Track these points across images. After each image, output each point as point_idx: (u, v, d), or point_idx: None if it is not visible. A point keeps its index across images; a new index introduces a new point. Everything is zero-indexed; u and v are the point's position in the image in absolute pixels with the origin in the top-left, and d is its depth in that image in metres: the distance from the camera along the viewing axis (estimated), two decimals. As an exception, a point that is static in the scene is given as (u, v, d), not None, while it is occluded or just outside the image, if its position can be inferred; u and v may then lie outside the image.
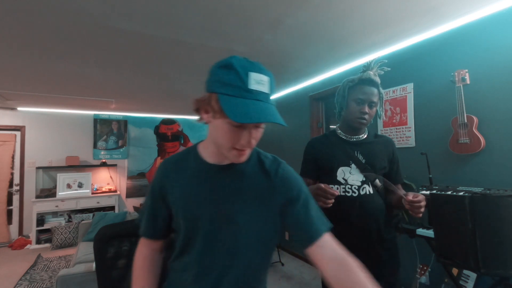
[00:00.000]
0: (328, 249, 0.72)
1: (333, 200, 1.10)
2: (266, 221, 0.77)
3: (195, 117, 5.68)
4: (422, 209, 1.11)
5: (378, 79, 1.31)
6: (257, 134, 0.70)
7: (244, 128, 0.66)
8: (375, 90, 1.29)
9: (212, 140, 0.74)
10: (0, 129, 4.75)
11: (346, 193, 1.30)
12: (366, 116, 1.29)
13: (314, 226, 0.74)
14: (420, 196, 1.12)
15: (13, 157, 4.83)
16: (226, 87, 0.63)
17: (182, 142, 6.15)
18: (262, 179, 0.78)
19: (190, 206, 0.77)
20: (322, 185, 1.10)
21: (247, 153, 0.72)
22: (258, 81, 0.63)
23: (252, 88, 0.63)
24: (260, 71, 0.65)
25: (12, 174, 4.83)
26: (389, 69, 1.38)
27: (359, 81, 1.31)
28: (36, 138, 4.97)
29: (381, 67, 1.36)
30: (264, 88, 0.65)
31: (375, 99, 1.29)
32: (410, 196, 1.11)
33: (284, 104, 4.15)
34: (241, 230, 0.76)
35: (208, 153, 0.79)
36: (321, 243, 0.72)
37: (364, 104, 1.28)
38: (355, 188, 1.29)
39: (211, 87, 0.67)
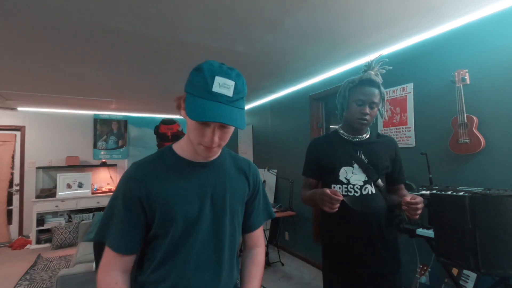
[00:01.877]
0: (255, 238, 0.96)
1: (338, 205, 1.11)
2: (242, 210, 0.90)
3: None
4: (419, 211, 1.12)
5: (379, 79, 1.30)
6: (223, 134, 0.74)
7: (208, 126, 0.71)
8: (376, 91, 1.29)
9: (188, 136, 0.79)
10: (0, 129, 4.76)
11: (348, 193, 1.30)
12: (367, 117, 1.29)
13: (258, 218, 0.96)
14: (418, 198, 1.12)
15: (13, 157, 4.84)
16: (193, 87, 0.70)
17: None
18: (239, 174, 0.90)
19: (184, 204, 0.77)
20: (328, 191, 1.10)
21: (215, 151, 0.77)
22: (222, 85, 0.68)
23: (214, 90, 0.67)
24: (227, 76, 0.69)
25: (12, 174, 4.83)
26: (390, 67, 1.38)
27: (359, 82, 1.30)
28: (36, 138, 4.97)
29: (382, 66, 1.35)
30: (228, 92, 0.69)
31: (376, 99, 1.29)
32: (408, 198, 1.13)
33: (284, 104, 4.15)
34: (226, 224, 0.83)
35: (184, 151, 0.82)
36: (256, 232, 0.96)
37: (364, 105, 1.28)
38: (357, 188, 1.29)
39: (185, 87, 0.73)
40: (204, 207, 0.79)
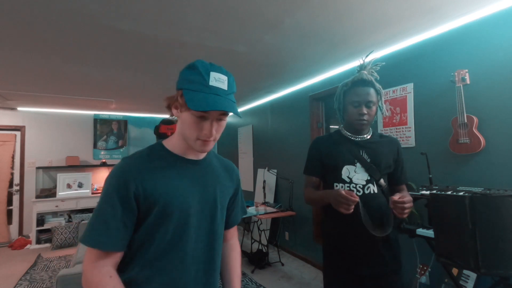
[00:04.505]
0: (232, 232, 1.04)
1: (353, 206, 1.10)
2: (225, 207, 0.94)
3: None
4: (406, 211, 1.13)
5: (371, 77, 1.32)
6: (219, 126, 0.79)
7: (206, 119, 0.76)
8: (370, 89, 1.30)
9: (181, 133, 0.82)
10: (0, 129, 4.76)
11: None
12: (366, 117, 1.30)
13: (238, 215, 1.03)
14: (406, 198, 1.13)
15: (13, 157, 4.84)
16: (190, 84, 0.74)
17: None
18: (225, 173, 0.95)
19: (181, 199, 0.79)
20: (343, 192, 1.11)
21: (211, 144, 0.81)
22: (217, 79, 0.75)
23: (211, 84, 0.73)
24: (220, 71, 0.76)
25: (12, 174, 4.83)
26: (383, 63, 1.40)
27: (352, 84, 1.32)
28: (36, 138, 4.97)
29: (375, 63, 1.37)
30: (223, 86, 0.76)
31: (372, 98, 1.29)
32: (396, 196, 1.13)
33: (284, 104, 4.15)
34: (217, 218, 0.87)
35: (176, 148, 0.84)
36: (234, 227, 1.04)
37: (360, 106, 1.29)
38: (359, 187, 1.29)
39: (179, 85, 0.78)
40: (197, 203, 0.82)
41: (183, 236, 0.79)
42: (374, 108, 1.32)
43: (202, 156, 0.88)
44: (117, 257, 0.75)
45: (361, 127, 1.33)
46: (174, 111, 0.81)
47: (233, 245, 1.03)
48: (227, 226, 0.98)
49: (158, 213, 0.75)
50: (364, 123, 1.31)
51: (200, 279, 0.82)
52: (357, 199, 1.09)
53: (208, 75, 0.73)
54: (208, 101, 0.71)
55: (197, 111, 0.73)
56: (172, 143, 0.85)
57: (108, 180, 0.76)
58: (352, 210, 1.11)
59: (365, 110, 1.29)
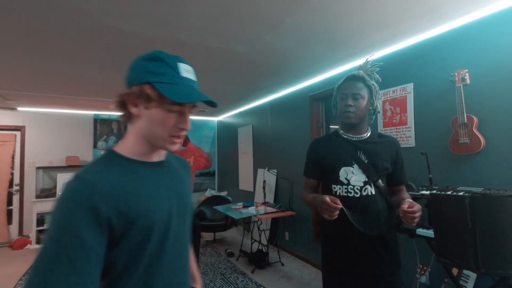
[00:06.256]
0: None
1: (337, 213, 1.10)
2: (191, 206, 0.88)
3: (196, 117, 5.63)
4: (416, 220, 1.11)
5: (363, 74, 1.34)
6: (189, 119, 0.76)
7: (181, 114, 0.71)
8: (359, 84, 1.32)
9: (144, 134, 0.73)
10: (0, 129, 4.76)
11: (348, 194, 1.29)
12: (351, 109, 1.30)
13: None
14: (416, 207, 1.11)
15: (13, 157, 4.84)
16: (159, 76, 0.67)
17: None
18: (183, 171, 0.89)
19: (159, 209, 0.71)
20: (327, 199, 1.10)
21: (181, 141, 0.78)
22: (187, 70, 0.71)
23: (183, 75, 0.70)
24: (185, 62, 0.72)
25: (12, 174, 4.83)
26: (381, 63, 1.44)
27: (343, 81, 1.37)
28: (36, 138, 4.97)
29: (373, 64, 1.40)
30: (193, 77, 0.73)
31: (359, 91, 1.31)
32: (406, 205, 1.11)
33: (284, 104, 4.15)
34: (188, 218, 0.83)
35: (136, 153, 0.74)
36: None
37: (347, 98, 1.31)
38: (357, 188, 1.29)
39: (142, 79, 0.68)
40: (172, 208, 0.75)
41: (164, 245, 0.72)
42: (362, 101, 1.31)
43: (163, 157, 0.82)
44: None
45: (347, 120, 1.32)
46: (133, 109, 0.72)
47: None
48: None
49: (139, 230, 0.66)
50: (350, 116, 1.31)
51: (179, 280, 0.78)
52: (340, 206, 1.08)
53: (177, 67, 0.69)
54: (189, 92, 0.68)
55: (173, 105, 0.67)
56: (129, 148, 0.74)
57: (66, 207, 0.58)
58: (336, 216, 1.10)
59: (350, 102, 1.30)
